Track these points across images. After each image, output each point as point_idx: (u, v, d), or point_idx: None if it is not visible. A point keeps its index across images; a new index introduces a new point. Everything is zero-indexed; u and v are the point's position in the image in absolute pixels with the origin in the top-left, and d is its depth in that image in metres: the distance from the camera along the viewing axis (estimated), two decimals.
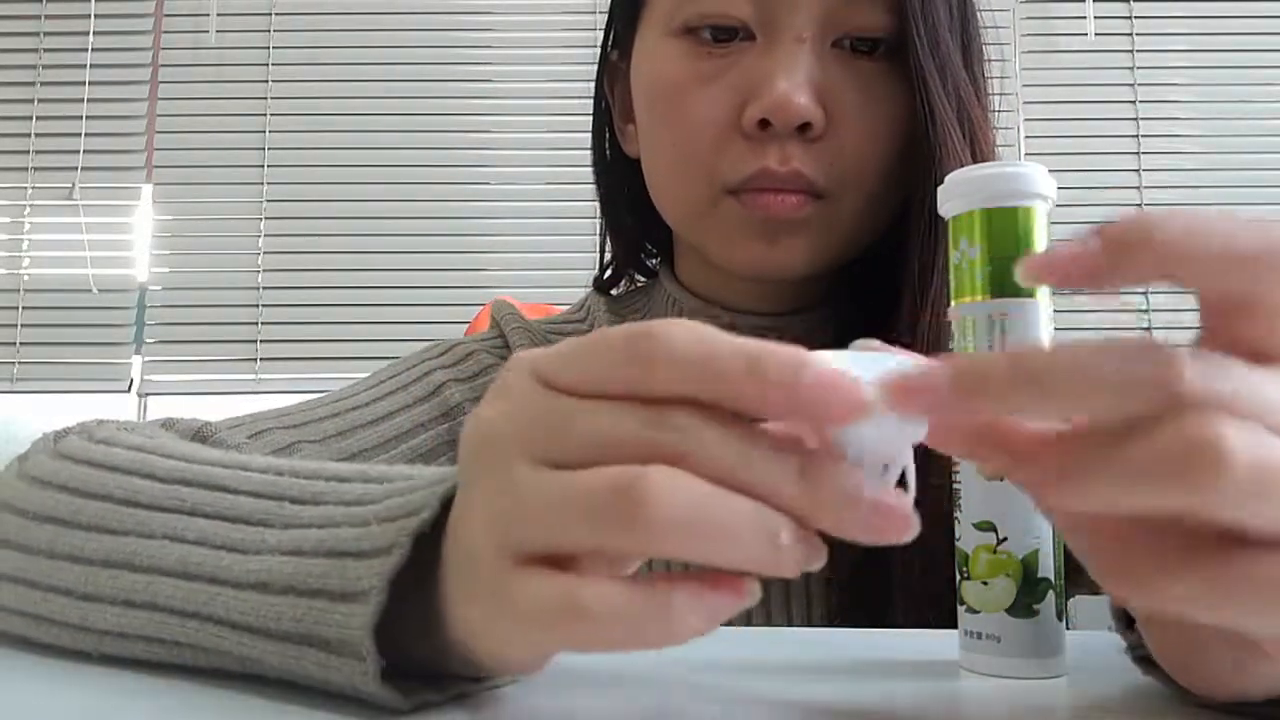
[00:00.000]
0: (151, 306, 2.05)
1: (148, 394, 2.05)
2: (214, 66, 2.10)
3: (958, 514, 0.35)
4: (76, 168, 2.06)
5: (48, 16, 2.10)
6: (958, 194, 0.36)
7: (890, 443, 0.24)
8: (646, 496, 0.22)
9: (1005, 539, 0.34)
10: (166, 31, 2.11)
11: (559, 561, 0.24)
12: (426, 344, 0.66)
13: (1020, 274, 0.24)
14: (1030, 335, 0.34)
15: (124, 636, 0.34)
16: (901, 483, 0.24)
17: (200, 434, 0.53)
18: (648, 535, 0.22)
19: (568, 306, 0.71)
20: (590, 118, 0.67)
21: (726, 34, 0.55)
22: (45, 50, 2.10)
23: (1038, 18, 2.11)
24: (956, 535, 0.35)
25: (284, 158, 2.08)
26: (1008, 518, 0.34)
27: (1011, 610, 0.34)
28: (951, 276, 0.36)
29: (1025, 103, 2.09)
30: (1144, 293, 2.02)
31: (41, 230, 2.08)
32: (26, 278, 2.06)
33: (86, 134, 2.07)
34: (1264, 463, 0.20)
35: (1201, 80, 2.10)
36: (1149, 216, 0.23)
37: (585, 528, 0.23)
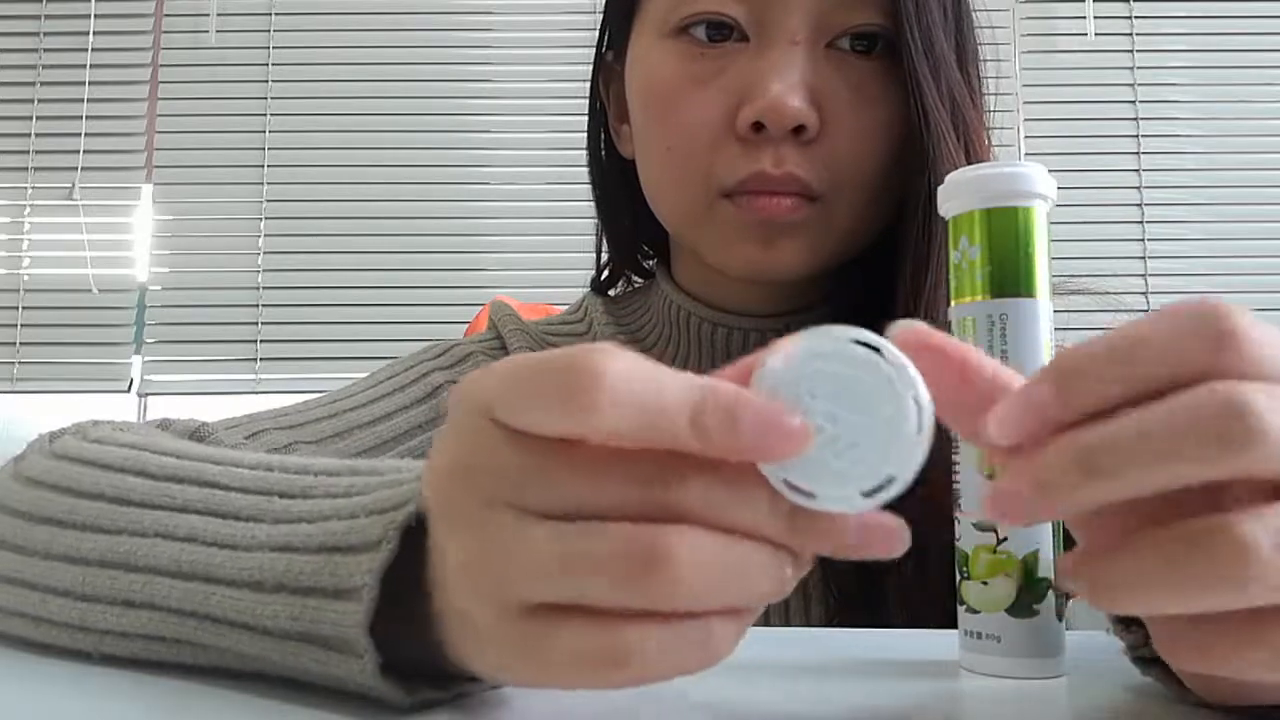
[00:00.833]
0: (151, 306, 2.05)
1: (148, 394, 2.05)
2: (214, 66, 2.10)
3: (958, 514, 0.35)
4: (76, 168, 2.06)
5: (48, 16, 2.10)
6: (958, 194, 0.36)
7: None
8: (669, 559, 0.22)
9: (1005, 539, 0.34)
10: (166, 31, 2.11)
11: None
12: (424, 345, 0.66)
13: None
14: (1030, 336, 0.34)
15: (124, 636, 0.33)
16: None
17: (197, 434, 0.53)
18: (672, 593, 0.22)
19: (567, 307, 0.71)
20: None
21: (720, 33, 0.55)
22: (45, 50, 2.10)
23: (1038, 18, 2.11)
24: (956, 535, 0.35)
25: (284, 158, 2.08)
26: None
27: (1011, 610, 0.34)
28: (951, 276, 0.36)
29: (1025, 103, 2.09)
30: (1144, 293, 2.03)
31: (41, 230, 2.08)
32: (26, 278, 2.06)
33: (86, 134, 2.07)
34: None
35: (1201, 80, 2.10)
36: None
37: (604, 586, 0.23)
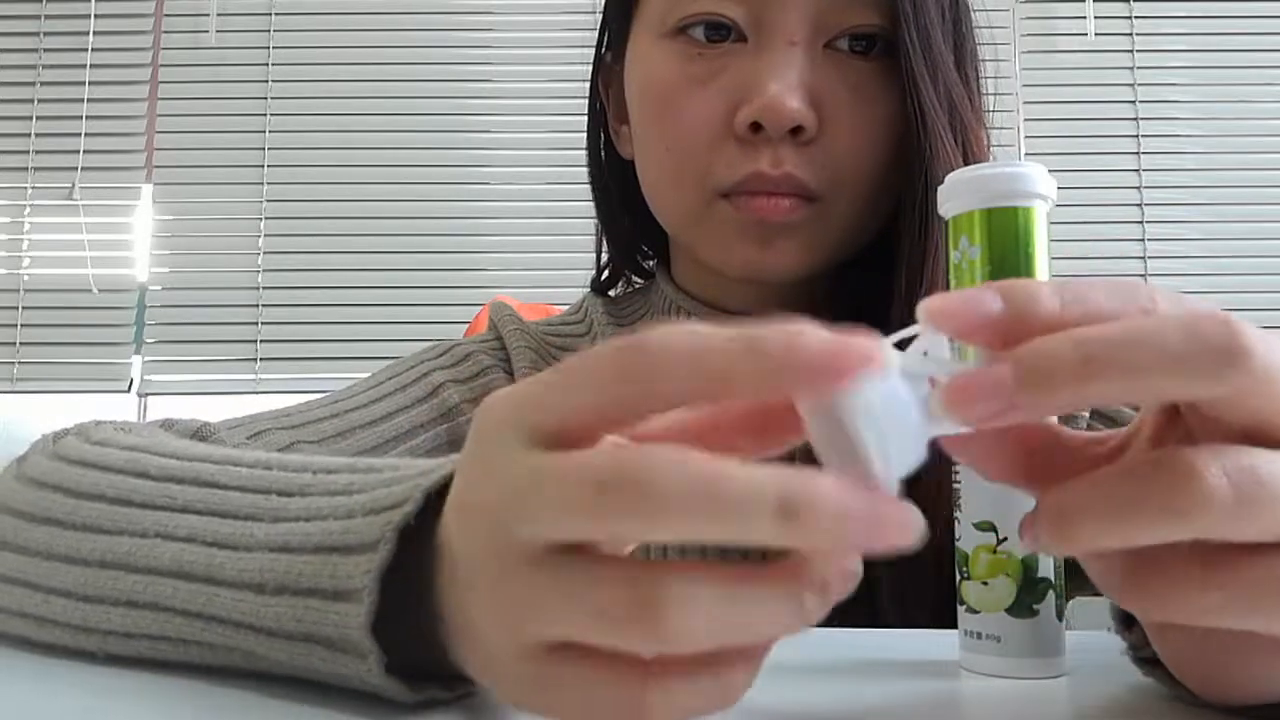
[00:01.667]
0: (151, 306, 2.05)
1: (148, 394, 2.05)
2: (214, 66, 2.10)
3: (958, 514, 0.35)
4: (76, 168, 2.06)
5: (48, 16, 2.10)
6: (958, 194, 0.36)
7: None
8: (668, 605, 0.21)
9: (1005, 539, 0.34)
10: (166, 31, 2.11)
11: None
12: (425, 345, 0.66)
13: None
14: None
15: (129, 636, 0.34)
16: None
17: (199, 434, 0.53)
18: (674, 646, 0.22)
19: (567, 307, 0.71)
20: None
21: (718, 34, 0.55)
22: (45, 50, 2.10)
23: (1038, 18, 2.11)
24: (956, 535, 0.35)
25: (284, 158, 2.08)
26: (1008, 518, 0.34)
27: (1011, 610, 0.34)
28: (951, 276, 0.36)
29: (1025, 103, 2.09)
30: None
31: (41, 230, 2.08)
32: (26, 278, 2.06)
33: (86, 134, 2.07)
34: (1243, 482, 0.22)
35: (1201, 80, 2.10)
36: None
37: (605, 631, 0.22)
